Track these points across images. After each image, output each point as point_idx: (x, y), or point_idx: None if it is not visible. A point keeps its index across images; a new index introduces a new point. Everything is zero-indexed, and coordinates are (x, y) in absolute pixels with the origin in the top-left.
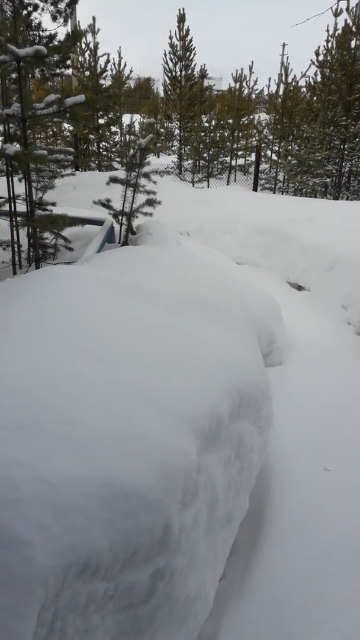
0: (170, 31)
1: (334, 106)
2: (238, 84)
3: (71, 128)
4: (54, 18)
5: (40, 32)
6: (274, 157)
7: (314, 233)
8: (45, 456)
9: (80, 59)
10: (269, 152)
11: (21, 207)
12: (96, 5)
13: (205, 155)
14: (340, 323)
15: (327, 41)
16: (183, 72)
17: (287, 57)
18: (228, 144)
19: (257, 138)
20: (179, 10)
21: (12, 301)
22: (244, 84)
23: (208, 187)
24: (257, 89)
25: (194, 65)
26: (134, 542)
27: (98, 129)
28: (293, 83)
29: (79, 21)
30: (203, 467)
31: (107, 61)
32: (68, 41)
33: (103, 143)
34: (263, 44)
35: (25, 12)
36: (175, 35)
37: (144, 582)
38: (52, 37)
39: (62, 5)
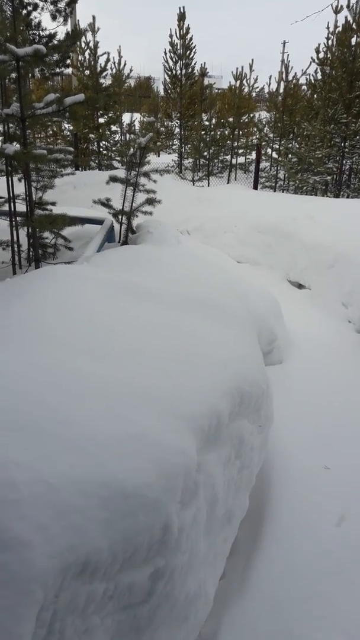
0: (170, 29)
1: (334, 104)
2: (238, 82)
3: (71, 127)
4: (54, 17)
5: (40, 32)
6: (275, 155)
7: (314, 231)
8: (44, 456)
9: (80, 58)
10: (269, 150)
11: (21, 206)
12: (96, 3)
13: (205, 153)
14: (341, 321)
15: (328, 38)
16: (183, 71)
17: (288, 54)
18: (228, 142)
19: (257, 136)
20: (179, 8)
21: (13, 301)
22: (244, 82)
23: (208, 185)
24: (257, 87)
25: (194, 64)
26: (134, 542)
27: (98, 128)
28: (293, 81)
29: (78, 20)
30: (203, 466)
31: (107, 60)
32: (68, 40)
33: (103, 142)
34: (263, 40)
35: (24, 11)
36: (176, 33)
37: (144, 581)
38: (51, 36)
39: (61, 5)
